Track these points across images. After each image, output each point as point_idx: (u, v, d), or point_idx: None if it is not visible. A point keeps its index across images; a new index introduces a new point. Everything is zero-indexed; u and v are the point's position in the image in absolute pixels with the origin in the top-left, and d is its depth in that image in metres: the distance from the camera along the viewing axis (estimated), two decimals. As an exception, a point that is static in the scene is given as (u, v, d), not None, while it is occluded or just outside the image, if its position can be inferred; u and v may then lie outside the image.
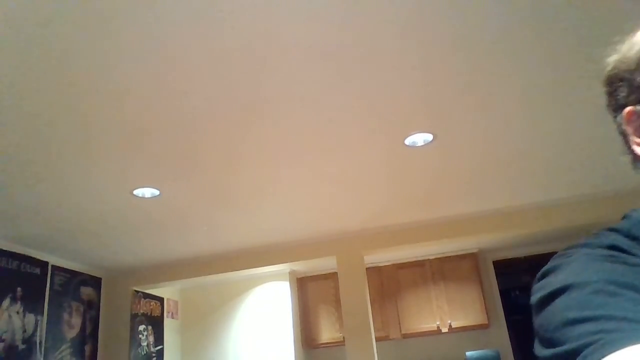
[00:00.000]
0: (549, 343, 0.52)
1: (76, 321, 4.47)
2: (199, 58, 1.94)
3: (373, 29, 1.87)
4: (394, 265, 5.78)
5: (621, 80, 0.64)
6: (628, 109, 0.63)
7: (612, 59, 0.66)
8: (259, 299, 5.70)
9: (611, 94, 0.66)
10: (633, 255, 0.57)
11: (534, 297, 0.58)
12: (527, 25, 1.93)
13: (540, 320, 0.55)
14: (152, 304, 5.36)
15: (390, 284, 5.74)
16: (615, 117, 0.66)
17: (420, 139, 2.80)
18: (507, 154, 3.13)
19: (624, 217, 0.66)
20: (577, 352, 0.47)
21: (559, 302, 0.53)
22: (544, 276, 0.60)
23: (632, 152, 0.64)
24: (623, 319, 0.47)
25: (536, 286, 0.60)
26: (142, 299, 5.18)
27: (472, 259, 5.64)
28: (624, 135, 0.65)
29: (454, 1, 1.76)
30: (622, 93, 0.64)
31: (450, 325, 5.43)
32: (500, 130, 2.79)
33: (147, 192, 3.17)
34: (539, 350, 0.54)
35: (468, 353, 5.37)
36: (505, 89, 2.37)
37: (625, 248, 0.59)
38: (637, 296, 0.50)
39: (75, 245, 4.11)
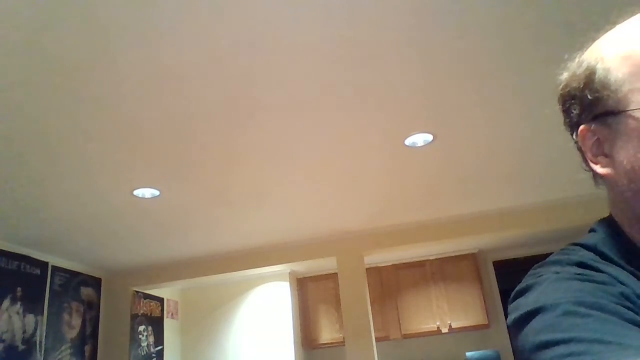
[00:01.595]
0: None
1: (76, 321, 4.47)
2: (199, 59, 1.94)
3: (373, 30, 1.87)
4: (394, 265, 5.78)
5: (573, 98, 0.64)
6: (582, 127, 0.63)
7: (564, 77, 0.66)
8: (259, 299, 5.70)
9: (566, 112, 0.66)
10: (600, 272, 0.58)
11: (510, 319, 0.59)
12: (527, 26, 1.93)
13: (517, 343, 0.56)
14: (152, 304, 5.36)
15: (390, 285, 5.74)
16: (572, 134, 0.66)
17: (420, 139, 2.81)
18: (507, 154, 3.13)
19: (590, 231, 0.67)
20: None
21: (532, 324, 0.54)
22: (517, 296, 0.61)
23: (591, 169, 0.64)
24: (593, 341, 0.48)
25: (511, 307, 0.60)
26: (142, 300, 5.18)
27: (472, 259, 5.64)
28: (581, 152, 0.64)
29: (454, 3, 1.76)
30: (575, 111, 0.64)
31: (450, 326, 5.43)
32: (500, 130, 2.79)
33: (147, 192, 3.17)
34: None
35: (468, 353, 5.37)
36: (505, 89, 2.37)
37: (593, 265, 0.59)
38: (605, 316, 0.50)
39: (75, 246, 4.11)
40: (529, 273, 0.64)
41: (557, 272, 0.59)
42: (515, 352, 0.57)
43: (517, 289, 0.62)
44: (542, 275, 0.60)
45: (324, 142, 2.75)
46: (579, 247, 0.64)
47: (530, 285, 0.60)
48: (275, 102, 2.31)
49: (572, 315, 0.51)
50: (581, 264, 0.60)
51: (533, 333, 0.53)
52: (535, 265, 0.65)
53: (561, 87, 0.66)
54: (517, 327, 0.56)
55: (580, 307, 0.52)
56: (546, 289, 0.57)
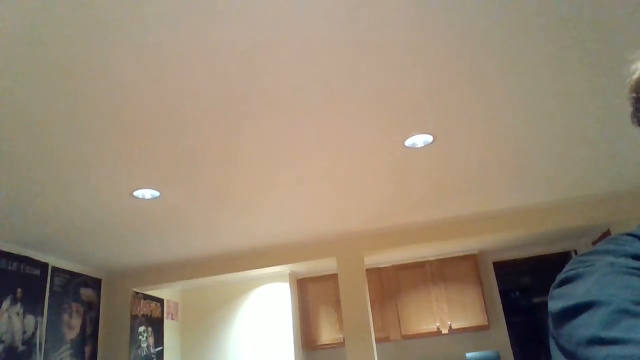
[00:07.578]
0: (571, 357, 0.52)
1: (76, 322, 4.47)
2: (198, 59, 1.94)
3: (373, 31, 1.87)
4: (394, 266, 5.78)
5: None
6: None
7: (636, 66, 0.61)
8: (259, 300, 5.70)
9: (636, 101, 0.61)
10: None
11: (555, 305, 0.56)
12: (528, 27, 1.93)
13: (562, 331, 0.54)
14: (152, 305, 5.36)
15: (390, 285, 5.74)
16: None
17: (420, 140, 2.81)
18: (507, 154, 3.13)
19: None
20: None
21: (585, 317, 0.52)
22: (564, 283, 0.58)
23: None
24: None
25: (556, 292, 0.57)
26: (142, 300, 5.18)
27: (472, 260, 5.64)
28: None
29: (456, 3, 1.76)
30: None
31: (450, 327, 5.43)
32: (500, 131, 2.79)
33: (147, 193, 3.17)
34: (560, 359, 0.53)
35: (468, 354, 5.36)
36: (506, 90, 2.37)
37: None
38: None
39: (75, 247, 4.11)
40: (575, 259, 0.60)
41: (612, 264, 0.55)
42: (558, 339, 0.55)
43: (563, 275, 0.58)
44: (593, 264, 0.57)
45: (324, 143, 2.76)
46: (632, 237, 0.60)
47: (580, 274, 0.57)
48: (276, 103, 2.31)
49: (630, 315, 0.49)
50: (638, 257, 0.56)
51: (585, 326, 0.51)
52: (584, 252, 0.61)
53: (637, 75, 0.60)
54: (565, 316, 0.54)
55: (638, 306, 0.49)
56: (599, 280, 0.54)
